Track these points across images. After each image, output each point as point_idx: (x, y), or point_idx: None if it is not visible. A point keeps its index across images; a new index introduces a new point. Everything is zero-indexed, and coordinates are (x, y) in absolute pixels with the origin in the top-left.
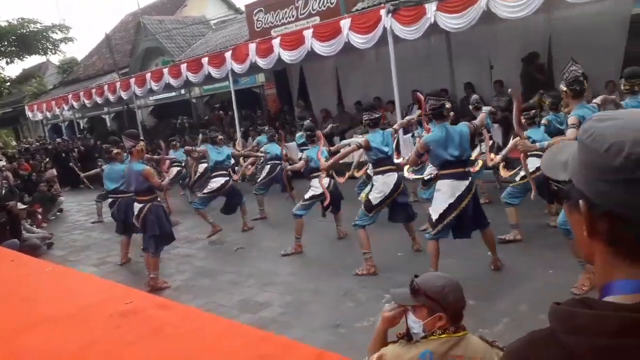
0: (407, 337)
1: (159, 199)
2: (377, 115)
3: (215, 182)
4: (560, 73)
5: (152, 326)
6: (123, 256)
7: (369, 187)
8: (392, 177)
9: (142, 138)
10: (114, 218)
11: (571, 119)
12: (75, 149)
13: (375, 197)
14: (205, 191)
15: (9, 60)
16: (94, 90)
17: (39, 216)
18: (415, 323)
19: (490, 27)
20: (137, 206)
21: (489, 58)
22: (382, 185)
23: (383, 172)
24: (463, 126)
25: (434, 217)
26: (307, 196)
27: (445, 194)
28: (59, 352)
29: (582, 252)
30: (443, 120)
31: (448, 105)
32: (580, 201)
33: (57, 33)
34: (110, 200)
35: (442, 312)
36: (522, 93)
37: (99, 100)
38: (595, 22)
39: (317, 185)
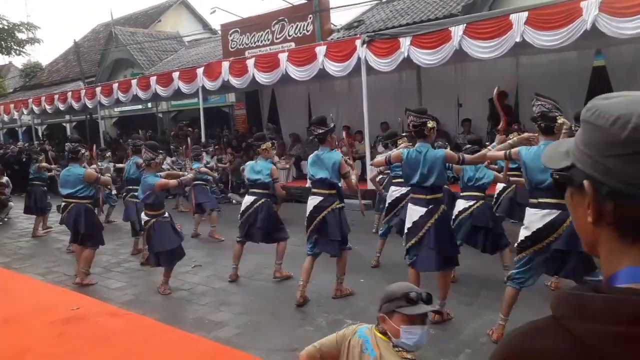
0: None
1: None
2: (320, 131)
3: None
4: (526, 115)
5: (99, 334)
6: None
7: None
8: (313, 201)
9: (161, 151)
10: (65, 224)
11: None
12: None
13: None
14: None
15: None
16: (56, 96)
17: None
18: None
19: (460, 67)
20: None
21: (457, 97)
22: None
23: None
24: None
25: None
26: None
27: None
28: None
29: (585, 242)
30: (425, 140)
31: (430, 124)
32: (585, 182)
33: (23, 32)
34: (63, 204)
35: None
36: (487, 132)
37: (61, 106)
38: (560, 70)
39: None
